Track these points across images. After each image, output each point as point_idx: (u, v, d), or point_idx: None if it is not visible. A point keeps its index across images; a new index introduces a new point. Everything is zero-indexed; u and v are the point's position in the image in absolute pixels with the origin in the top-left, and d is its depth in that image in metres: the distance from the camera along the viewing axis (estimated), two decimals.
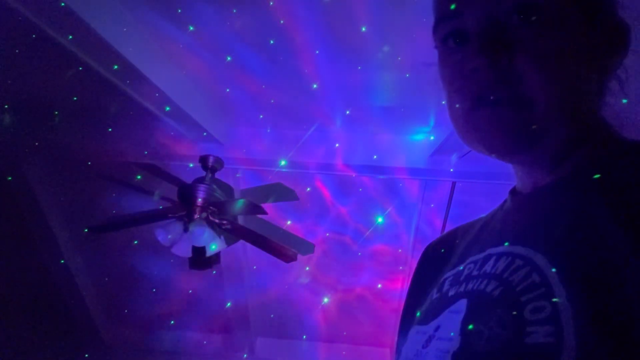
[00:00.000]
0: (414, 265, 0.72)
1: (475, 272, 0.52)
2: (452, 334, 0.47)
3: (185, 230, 2.42)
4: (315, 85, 2.28)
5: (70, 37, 1.70)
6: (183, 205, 2.44)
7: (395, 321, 3.87)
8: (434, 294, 0.58)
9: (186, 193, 2.40)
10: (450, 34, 0.55)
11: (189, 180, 2.47)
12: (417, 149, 2.77)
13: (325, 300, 3.96)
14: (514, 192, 0.61)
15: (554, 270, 0.41)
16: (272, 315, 4.17)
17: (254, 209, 2.29)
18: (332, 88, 2.34)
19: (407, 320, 0.62)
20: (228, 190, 2.73)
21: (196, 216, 2.39)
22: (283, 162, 2.77)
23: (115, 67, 1.90)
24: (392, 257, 3.65)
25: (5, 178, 3.24)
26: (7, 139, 2.86)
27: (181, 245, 2.45)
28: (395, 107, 2.53)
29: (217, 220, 2.50)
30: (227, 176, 2.92)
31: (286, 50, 2.02)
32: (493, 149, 0.53)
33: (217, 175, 2.65)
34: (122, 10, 1.82)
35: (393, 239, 3.54)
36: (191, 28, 1.93)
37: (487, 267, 0.50)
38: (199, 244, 2.42)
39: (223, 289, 3.86)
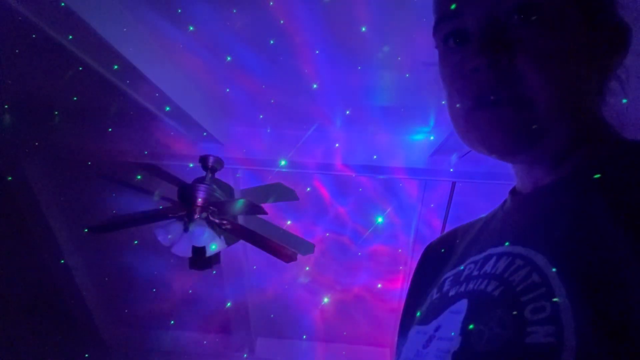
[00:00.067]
0: (414, 265, 0.72)
1: (475, 272, 0.52)
2: (452, 334, 0.47)
3: (185, 230, 2.42)
4: (315, 85, 2.28)
5: (70, 37, 1.70)
6: (183, 205, 2.44)
7: (395, 321, 3.87)
8: (434, 294, 0.58)
9: (186, 193, 2.41)
10: (451, 34, 0.55)
11: (189, 180, 2.47)
12: (417, 149, 2.77)
13: (326, 300, 3.96)
14: (514, 192, 0.61)
15: (554, 270, 0.41)
16: (272, 315, 4.17)
17: (254, 209, 2.29)
18: (332, 88, 2.34)
19: (407, 321, 0.62)
20: (228, 190, 2.73)
21: (196, 216, 2.39)
22: (283, 162, 2.77)
23: (115, 67, 1.90)
24: (392, 257, 3.65)
25: (5, 178, 3.24)
26: (7, 139, 2.86)
27: (181, 245, 2.45)
28: (395, 107, 2.53)
29: (217, 220, 2.50)
30: (227, 176, 2.92)
31: (286, 50, 2.02)
32: (493, 149, 0.53)
33: (217, 175, 2.66)
34: (122, 10, 1.82)
35: (393, 239, 3.54)
36: (191, 28, 1.93)
37: (488, 267, 0.50)
38: (199, 244, 2.43)
39: (223, 289, 3.86)
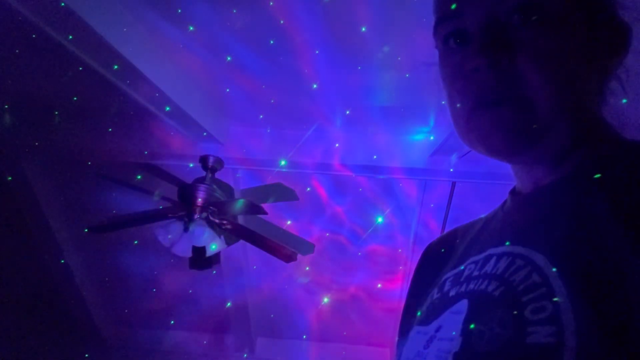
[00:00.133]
0: (414, 265, 0.72)
1: (476, 273, 0.52)
2: (453, 334, 0.47)
3: (185, 230, 2.42)
4: (315, 86, 2.28)
5: (70, 37, 1.70)
6: (183, 205, 2.44)
7: (395, 321, 3.87)
8: (435, 294, 0.58)
9: (186, 193, 2.41)
10: (451, 34, 0.55)
11: (189, 180, 2.47)
12: (417, 149, 2.77)
13: (326, 300, 3.96)
14: (514, 192, 0.61)
15: (554, 270, 0.41)
16: (272, 315, 4.17)
17: (254, 209, 2.29)
18: (331, 88, 2.34)
19: (407, 321, 0.62)
20: (228, 190, 2.73)
21: (196, 216, 2.39)
22: (283, 162, 2.77)
23: (115, 67, 1.90)
24: (391, 257, 3.65)
25: (5, 178, 3.24)
26: (7, 138, 2.86)
27: (181, 245, 2.45)
28: (394, 107, 2.53)
29: (217, 220, 2.50)
30: (227, 176, 2.92)
31: (286, 50, 2.02)
32: (494, 149, 0.53)
33: (217, 175, 2.66)
34: (122, 10, 1.82)
35: (393, 239, 3.53)
36: (191, 28, 1.93)
37: (488, 268, 0.50)
38: (199, 244, 2.43)
39: (223, 289, 3.86)
